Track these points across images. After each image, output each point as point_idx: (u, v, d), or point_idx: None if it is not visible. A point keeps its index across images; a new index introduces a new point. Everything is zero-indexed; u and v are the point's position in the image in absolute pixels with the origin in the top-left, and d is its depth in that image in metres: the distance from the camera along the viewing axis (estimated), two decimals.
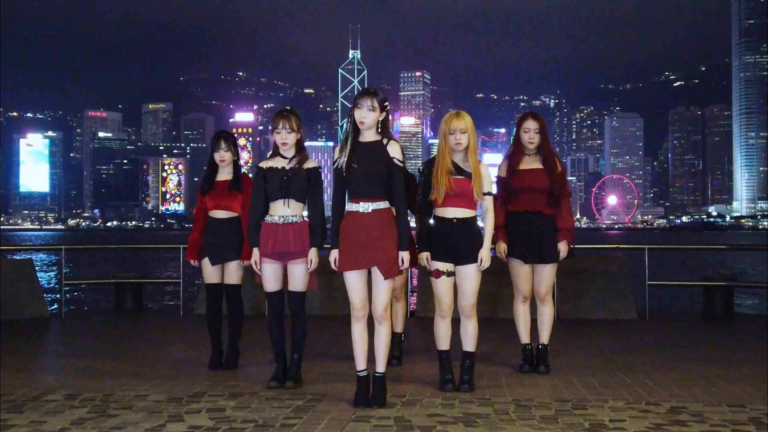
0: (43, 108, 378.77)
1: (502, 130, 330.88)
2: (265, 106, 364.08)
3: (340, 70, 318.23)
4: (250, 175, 5.70)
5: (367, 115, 4.48)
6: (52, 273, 34.49)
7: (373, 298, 4.55)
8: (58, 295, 14.39)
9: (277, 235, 5.00)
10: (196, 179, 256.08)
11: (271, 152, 5.23)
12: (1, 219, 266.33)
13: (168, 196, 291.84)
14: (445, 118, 4.94)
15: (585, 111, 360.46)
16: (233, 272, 5.80)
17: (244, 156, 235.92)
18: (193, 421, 4.14)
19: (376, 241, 4.47)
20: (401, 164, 4.56)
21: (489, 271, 5.10)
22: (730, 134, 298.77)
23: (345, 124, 4.66)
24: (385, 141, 4.55)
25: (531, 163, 5.52)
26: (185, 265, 8.99)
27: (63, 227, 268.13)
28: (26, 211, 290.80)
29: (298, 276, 5.08)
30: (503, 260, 5.58)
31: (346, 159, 4.50)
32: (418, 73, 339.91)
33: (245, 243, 5.57)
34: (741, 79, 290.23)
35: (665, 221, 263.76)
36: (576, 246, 5.67)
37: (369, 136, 4.56)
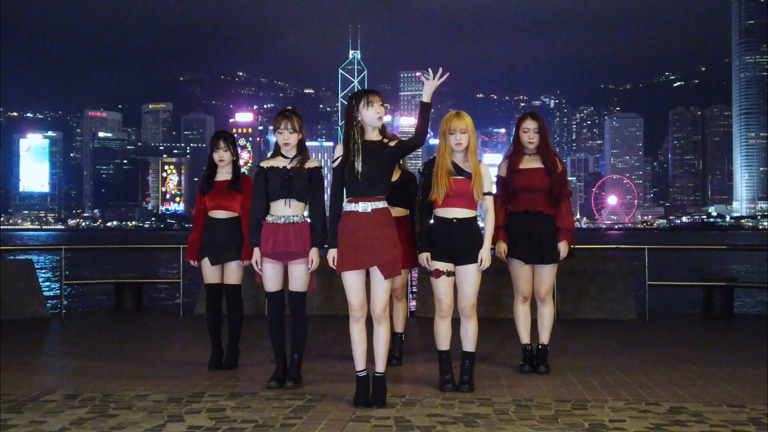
0: (43, 108, 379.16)
1: (502, 130, 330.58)
2: (265, 106, 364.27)
3: (340, 70, 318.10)
4: (250, 175, 5.70)
5: (382, 111, 4.47)
6: (52, 273, 34.47)
7: (372, 298, 4.54)
8: (58, 295, 14.38)
9: (278, 235, 5.00)
10: (196, 179, 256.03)
11: (272, 152, 5.22)
12: (1, 219, 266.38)
13: (168, 196, 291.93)
14: (445, 119, 4.93)
15: (585, 111, 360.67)
16: (233, 272, 5.80)
17: (244, 156, 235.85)
18: (193, 421, 4.14)
19: (376, 241, 4.46)
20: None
21: (489, 271, 5.10)
22: (730, 134, 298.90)
23: (350, 126, 4.53)
24: (386, 141, 4.55)
25: (531, 163, 5.52)
26: (185, 265, 8.98)
27: (63, 227, 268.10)
28: (26, 211, 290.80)
29: (299, 276, 5.07)
30: (503, 260, 5.57)
31: (360, 162, 4.44)
32: (418, 73, 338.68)
33: (245, 243, 5.57)
34: (741, 79, 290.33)
35: (665, 221, 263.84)
36: (576, 246, 5.67)
37: (373, 135, 4.55)
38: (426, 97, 4.47)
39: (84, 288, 25.17)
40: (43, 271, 35.33)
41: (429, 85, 4.48)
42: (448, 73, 4.47)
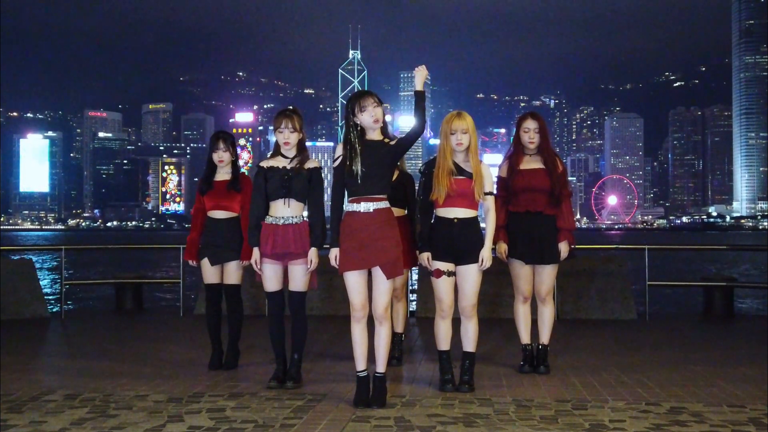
0: (43, 108, 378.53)
1: (502, 130, 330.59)
2: (265, 106, 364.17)
3: (340, 70, 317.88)
4: (250, 176, 5.70)
5: (377, 112, 4.47)
6: (53, 273, 34.47)
7: (373, 298, 4.54)
8: (58, 295, 14.38)
9: (277, 236, 4.99)
10: (196, 179, 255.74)
11: (272, 152, 5.22)
12: (1, 219, 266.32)
13: (168, 196, 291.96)
14: (446, 119, 4.94)
15: (585, 111, 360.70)
16: (232, 272, 5.80)
17: (244, 156, 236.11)
18: (193, 421, 4.14)
19: (378, 241, 4.46)
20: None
21: (489, 272, 5.10)
22: (730, 134, 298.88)
23: (349, 128, 4.53)
24: (386, 140, 4.55)
25: (531, 163, 5.52)
26: (185, 265, 8.98)
27: (63, 227, 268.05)
28: (26, 211, 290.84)
29: (299, 276, 5.07)
30: (504, 260, 5.57)
31: (360, 163, 4.45)
32: None
33: (244, 243, 5.57)
34: (741, 79, 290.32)
35: (665, 221, 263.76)
36: (576, 246, 5.67)
37: (374, 135, 4.55)
38: (418, 86, 4.54)
39: (84, 288, 25.18)
40: (43, 271, 35.35)
41: (420, 74, 4.57)
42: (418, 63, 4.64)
